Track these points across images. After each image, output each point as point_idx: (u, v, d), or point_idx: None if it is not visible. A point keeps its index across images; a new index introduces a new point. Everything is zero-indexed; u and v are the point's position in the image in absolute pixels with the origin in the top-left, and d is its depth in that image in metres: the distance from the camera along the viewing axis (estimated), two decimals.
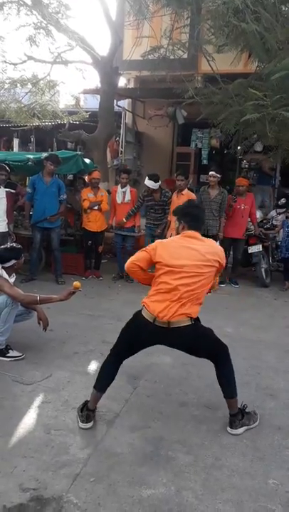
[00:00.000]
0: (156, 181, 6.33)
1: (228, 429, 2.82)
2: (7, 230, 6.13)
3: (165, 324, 2.61)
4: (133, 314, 2.82)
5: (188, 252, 2.67)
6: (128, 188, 6.71)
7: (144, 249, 2.80)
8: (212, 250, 2.72)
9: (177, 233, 2.92)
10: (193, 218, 2.84)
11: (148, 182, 6.37)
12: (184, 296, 2.61)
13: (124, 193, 6.67)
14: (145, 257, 2.73)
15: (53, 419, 2.85)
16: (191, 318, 2.64)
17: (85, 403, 2.85)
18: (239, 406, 2.87)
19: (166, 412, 3.00)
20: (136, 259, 2.76)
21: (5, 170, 5.99)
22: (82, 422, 2.77)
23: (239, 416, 2.83)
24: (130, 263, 2.77)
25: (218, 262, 2.71)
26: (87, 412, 2.79)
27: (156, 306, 2.64)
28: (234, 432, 2.79)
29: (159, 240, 2.85)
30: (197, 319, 2.73)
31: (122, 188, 6.71)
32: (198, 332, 2.72)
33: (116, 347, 2.85)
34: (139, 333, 2.76)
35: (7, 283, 3.65)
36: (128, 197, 6.67)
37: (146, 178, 6.44)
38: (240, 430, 2.80)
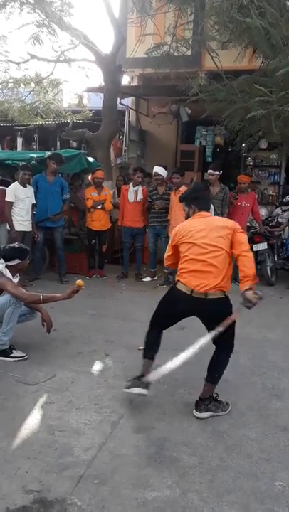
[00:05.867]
0: (165, 168, 6.51)
1: (194, 412, 2.92)
2: (31, 229, 6.10)
3: (202, 295, 2.78)
4: (169, 289, 3.08)
5: (204, 228, 2.88)
6: (140, 187, 6.65)
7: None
8: (223, 224, 2.93)
9: (187, 217, 3.10)
10: (202, 200, 3.11)
11: (158, 168, 6.46)
12: (212, 267, 2.78)
13: (137, 191, 6.62)
14: (170, 246, 3.03)
15: (57, 420, 2.82)
16: (223, 291, 2.82)
17: (140, 375, 3.00)
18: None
19: (171, 413, 2.97)
20: (166, 254, 3.14)
21: (29, 169, 5.96)
22: (144, 388, 2.95)
23: (207, 401, 2.92)
24: (165, 260, 3.18)
25: (232, 229, 2.86)
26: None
27: (191, 280, 2.81)
28: (198, 415, 2.90)
29: (176, 226, 3.09)
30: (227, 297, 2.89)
31: (134, 186, 6.65)
32: (228, 308, 2.85)
33: (154, 318, 3.07)
34: (176, 305, 2.93)
35: (10, 282, 3.63)
36: (140, 195, 6.61)
37: (156, 166, 6.55)
38: (205, 415, 2.90)
